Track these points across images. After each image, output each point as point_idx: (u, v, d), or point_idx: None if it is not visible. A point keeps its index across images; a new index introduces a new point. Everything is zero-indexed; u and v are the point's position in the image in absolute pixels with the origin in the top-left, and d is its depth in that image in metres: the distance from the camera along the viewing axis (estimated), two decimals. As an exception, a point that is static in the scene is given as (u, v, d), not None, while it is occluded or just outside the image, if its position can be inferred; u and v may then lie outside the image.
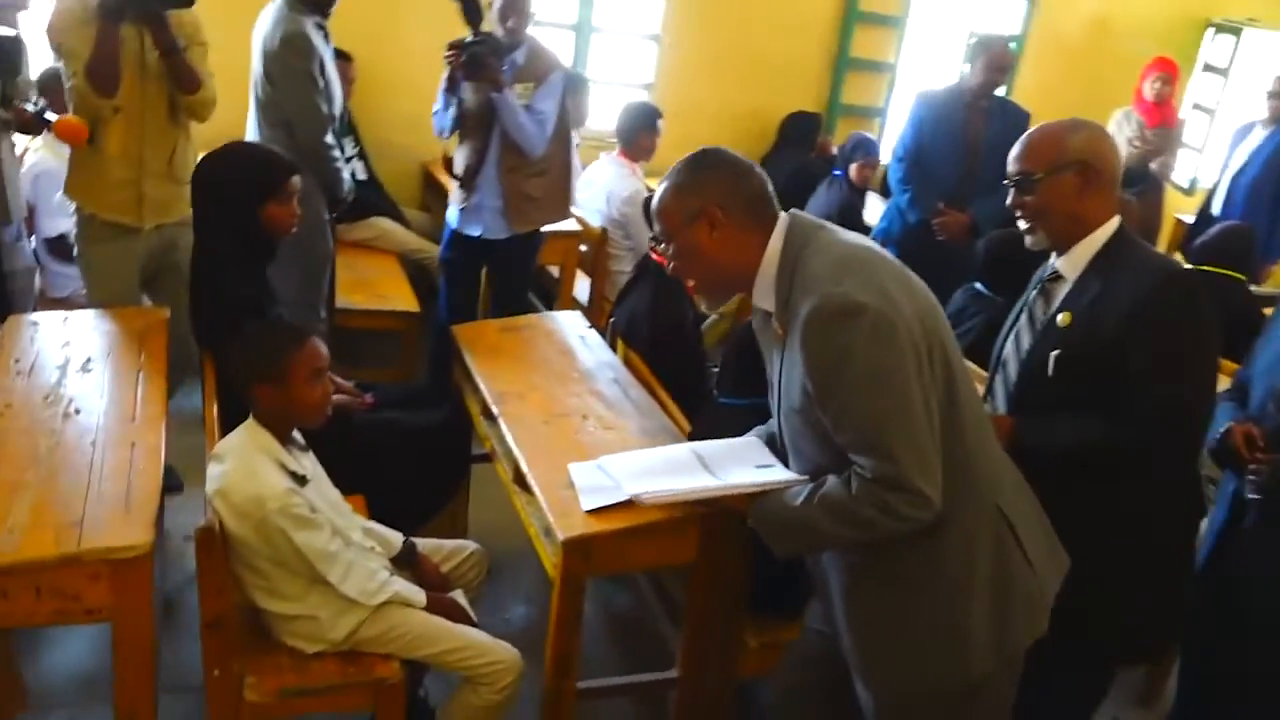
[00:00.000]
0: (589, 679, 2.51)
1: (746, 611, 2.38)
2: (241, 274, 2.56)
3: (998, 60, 4.14)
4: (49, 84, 3.32)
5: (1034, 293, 2.15)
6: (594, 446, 2.51)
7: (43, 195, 3.57)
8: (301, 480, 2.11)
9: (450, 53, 3.54)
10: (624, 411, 2.69)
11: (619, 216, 4.40)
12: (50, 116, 2.64)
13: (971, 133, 4.24)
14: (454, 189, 3.85)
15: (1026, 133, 2.11)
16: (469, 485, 3.15)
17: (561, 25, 5.36)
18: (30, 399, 2.29)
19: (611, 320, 3.29)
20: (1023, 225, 2.11)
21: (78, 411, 2.27)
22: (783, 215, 1.78)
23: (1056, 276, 2.09)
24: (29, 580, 1.79)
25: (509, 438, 2.54)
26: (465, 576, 2.49)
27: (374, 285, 4.30)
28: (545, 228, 4.00)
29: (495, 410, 2.68)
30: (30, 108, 3.00)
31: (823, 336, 1.62)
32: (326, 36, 3.46)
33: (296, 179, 2.63)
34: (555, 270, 4.59)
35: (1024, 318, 2.16)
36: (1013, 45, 4.29)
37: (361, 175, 4.68)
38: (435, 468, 2.90)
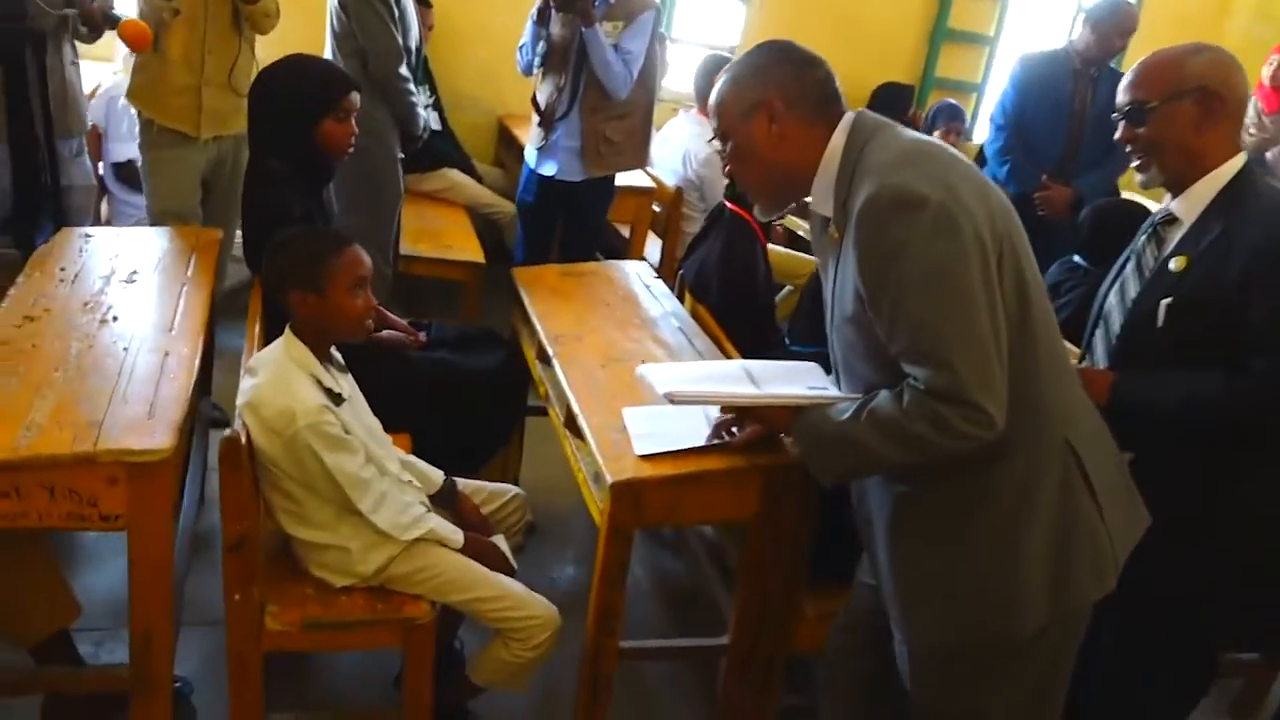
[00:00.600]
0: (633, 639, 2.34)
1: (806, 578, 2.19)
2: (294, 193, 2.45)
3: (1124, 23, 3.85)
4: None
5: (1143, 238, 1.94)
6: (651, 394, 2.34)
7: (114, 119, 3.54)
8: (337, 399, 1.97)
9: None
10: (687, 359, 2.51)
11: (694, 177, 4.22)
12: (118, 14, 2.57)
13: (1078, 102, 3.98)
14: (533, 127, 3.74)
15: (1140, 60, 1.89)
16: (522, 437, 3.01)
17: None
18: (69, 305, 2.21)
19: (680, 272, 3.11)
20: (1134, 163, 1.89)
21: (115, 319, 2.17)
22: (848, 113, 1.61)
23: (1171, 219, 1.88)
24: (42, 478, 1.68)
25: (562, 379, 2.39)
26: (507, 521, 2.35)
27: (441, 235, 4.19)
28: (619, 180, 3.87)
29: (550, 351, 2.53)
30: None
31: (876, 229, 1.46)
32: None
33: (355, 96, 2.51)
34: (626, 230, 4.43)
35: (1130, 265, 1.95)
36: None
37: (436, 126, 4.58)
38: (487, 412, 2.76)
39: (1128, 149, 1.90)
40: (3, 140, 2.57)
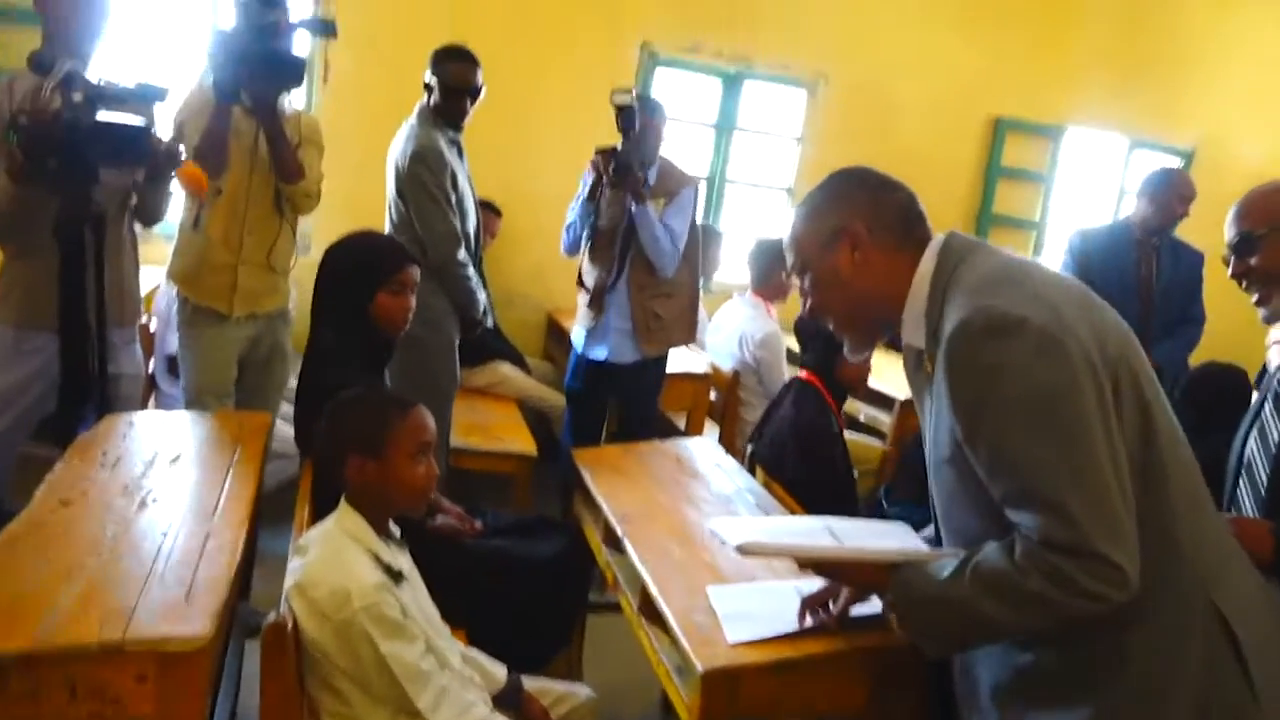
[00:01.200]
0: None
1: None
2: (354, 370, 2.33)
3: (1184, 189, 3.81)
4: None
5: (1277, 379, 1.77)
6: (735, 571, 2.12)
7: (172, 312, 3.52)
8: (397, 577, 1.77)
9: (599, 157, 3.46)
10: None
11: (751, 360, 4.11)
12: (180, 154, 2.59)
13: (1145, 270, 3.88)
14: (580, 310, 3.70)
15: (1243, 195, 1.82)
16: (584, 634, 2.75)
17: (703, 123, 5.29)
18: (108, 489, 2.05)
19: (750, 449, 2.94)
20: (1252, 296, 1.78)
21: (154, 501, 2.01)
22: (938, 235, 1.49)
23: None
24: (63, 674, 1.48)
25: (635, 558, 2.17)
26: (577, 727, 2.08)
27: (492, 428, 4.06)
28: (675, 367, 3.77)
29: (620, 531, 2.32)
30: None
31: (969, 356, 1.32)
32: (460, 152, 3.41)
33: (414, 270, 2.44)
34: (681, 420, 4.28)
35: (1268, 408, 1.79)
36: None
37: (488, 323, 4.57)
38: (550, 603, 2.52)
39: (1242, 284, 1.79)
40: (52, 329, 2.50)
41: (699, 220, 3.69)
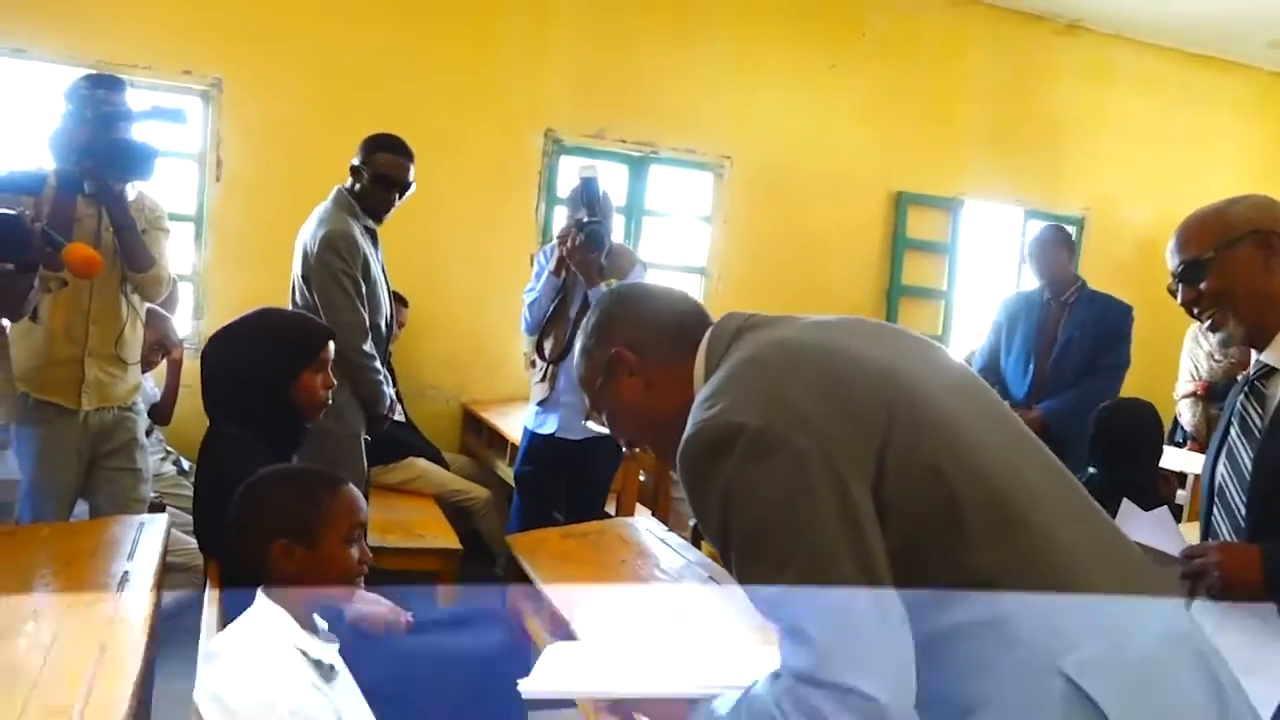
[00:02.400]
0: None
1: None
2: (263, 462, 2.12)
3: (1057, 236, 3.98)
4: None
5: (1239, 400, 1.74)
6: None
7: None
8: (328, 673, 1.56)
9: (568, 229, 3.41)
10: (729, 605, 2.14)
11: (680, 439, 3.99)
12: (58, 238, 2.41)
13: (1050, 328, 3.97)
14: (533, 386, 3.60)
15: (1181, 223, 1.79)
16: (529, 735, 2.52)
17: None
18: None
19: (694, 524, 2.79)
20: (1205, 323, 1.73)
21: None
22: (710, 328, 1.35)
23: (1269, 371, 1.70)
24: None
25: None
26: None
27: (411, 525, 3.83)
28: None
29: (567, 617, 2.14)
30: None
31: (695, 482, 1.17)
32: (376, 242, 3.27)
33: (332, 345, 2.27)
34: (610, 505, 4.12)
35: (1234, 430, 1.73)
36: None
37: (399, 417, 4.37)
38: (491, 702, 2.30)
39: (1194, 311, 1.76)
40: None
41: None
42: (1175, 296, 1.79)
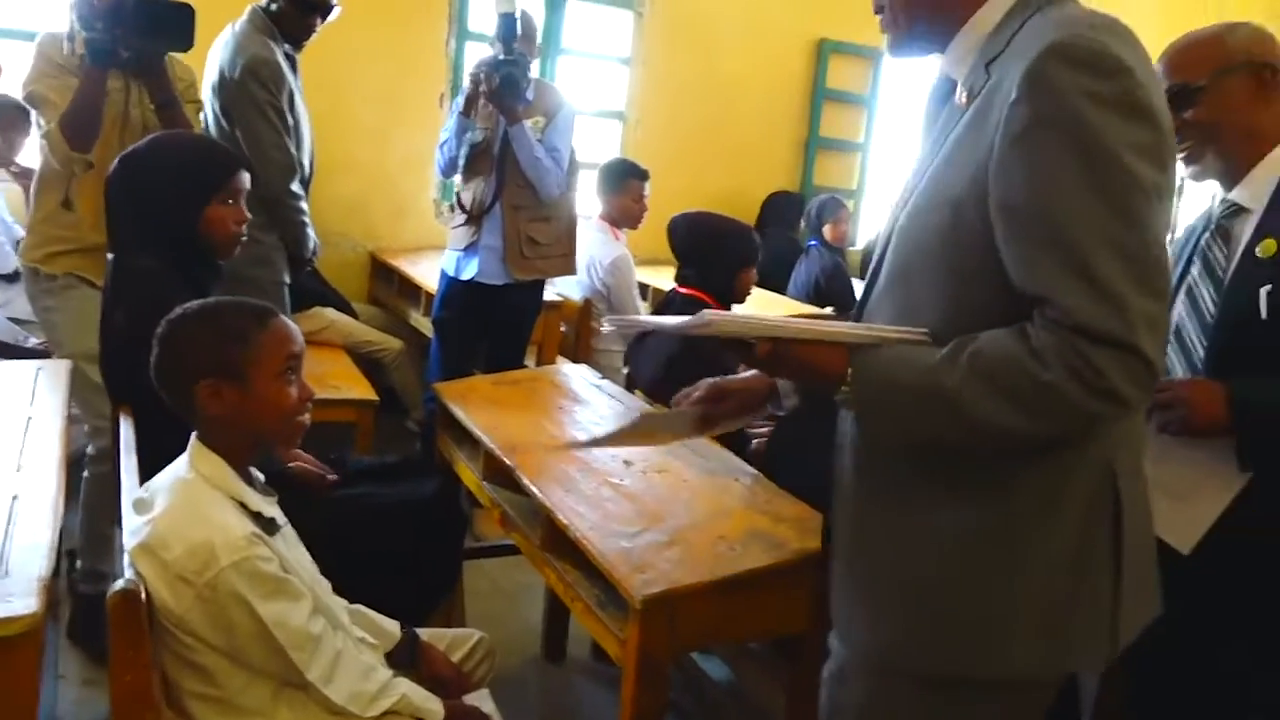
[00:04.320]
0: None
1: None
2: (176, 293, 1.95)
3: None
4: None
5: (1203, 237, 1.71)
6: (646, 494, 1.92)
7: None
8: (269, 526, 1.47)
9: (480, 69, 3.16)
10: (675, 452, 2.11)
11: (601, 286, 3.90)
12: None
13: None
14: (453, 234, 3.41)
15: (1170, 44, 1.72)
16: (462, 581, 2.49)
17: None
18: None
19: (626, 371, 2.74)
20: (1181, 153, 1.67)
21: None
22: None
23: (1236, 209, 1.67)
24: None
25: (534, 488, 1.93)
26: (475, 673, 1.84)
27: (325, 376, 3.65)
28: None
29: (510, 462, 2.07)
30: None
31: (1056, 79, 1.04)
32: (296, 68, 2.98)
33: (245, 176, 2.08)
34: (531, 357, 4.03)
35: (1195, 270, 1.71)
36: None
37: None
38: (429, 551, 2.25)
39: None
40: None
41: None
42: None
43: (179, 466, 1.48)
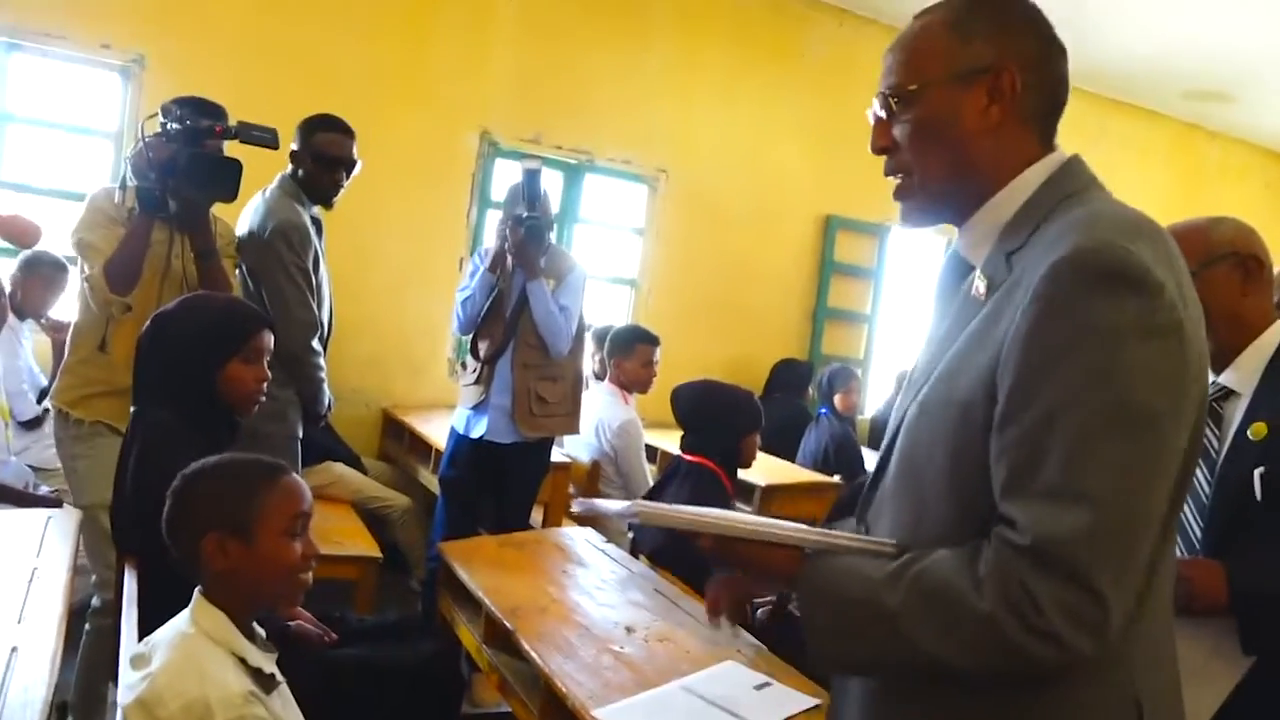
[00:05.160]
0: None
1: None
2: (190, 450, 1.98)
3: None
4: None
5: (1210, 394, 1.74)
6: (649, 665, 1.90)
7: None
8: (268, 684, 1.45)
9: (507, 224, 3.30)
10: (679, 620, 2.09)
11: (609, 449, 3.93)
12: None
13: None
14: (463, 391, 3.47)
15: None
16: (457, 751, 2.42)
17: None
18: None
19: (632, 537, 2.73)
20: None
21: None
22: (1063, 152, 1.14)
23: (1226, 393, 1.71)
24: None
25: (536, 658, 1.91)
26: None
27: (329, 532, 3.65)
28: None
29: (509, 625, 2.05)
30: None
31: (1074, 294, 0.96)
32: (321, 232, 3.11)
33: (268, 335, 2.15)
34: (538, 515, 4.02)
35: (1208, 431, 1.73)
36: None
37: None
38: (422, 715, 2.20)
39: None
40: None
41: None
42: None
43: (180, 621, 1.48)
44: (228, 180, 2.64)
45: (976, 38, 1.11)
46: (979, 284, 1.10)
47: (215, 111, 2.68)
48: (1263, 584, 1.53)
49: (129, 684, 1.41)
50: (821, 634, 1.07)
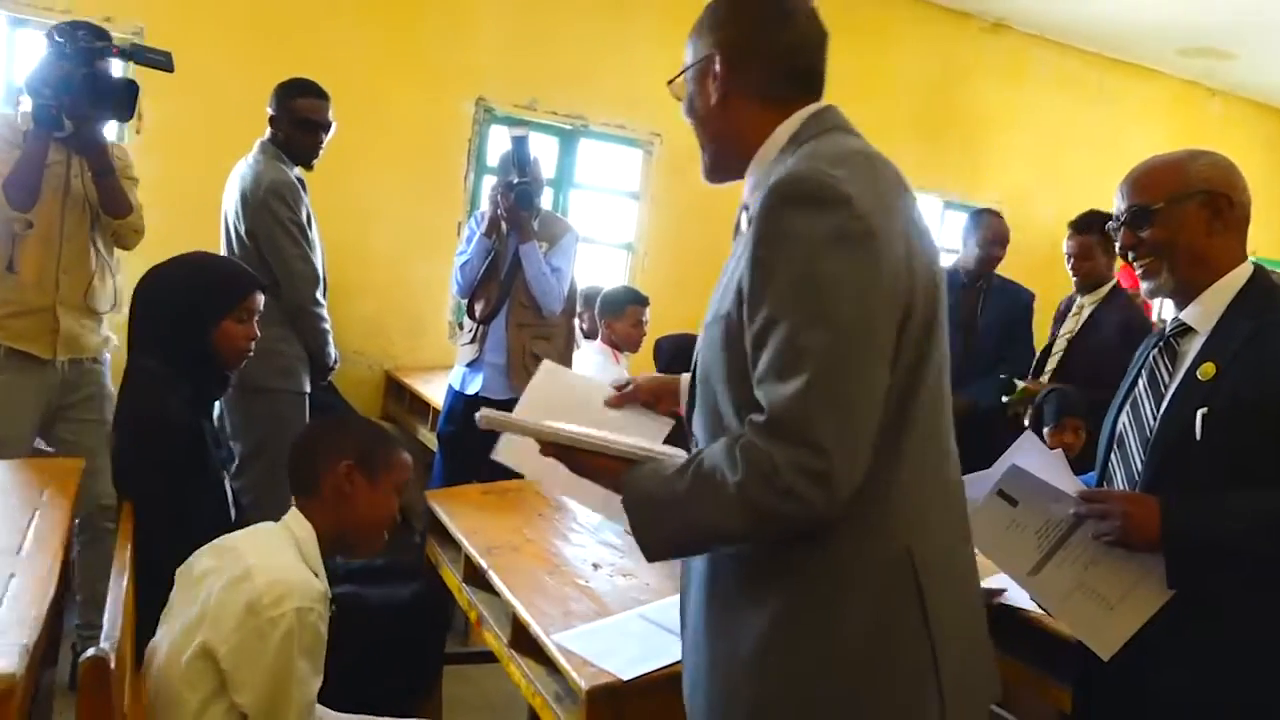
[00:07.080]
0: None
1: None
2: (177, 399, 2.11)
3: (1000, 231, 4.05)
4: None
5: (1152, 353, 1.78)
6: (612, 596, 2.02)
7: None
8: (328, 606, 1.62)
9: (499, 190, 3.43)
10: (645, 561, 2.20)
11: (601, 408, 4.04)
12: None
13: (965, 313, 4.08)
14: (460, 347, 3.61)
15: (1137, 166, 1.82)
16: (442, 684, 2.56)
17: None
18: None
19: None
20: (1138, 269, 1.77)
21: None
22: (818, 104, 1.37)
23: (1184, 329, 1.74)
24: None
25: (503, 589, 2.04)
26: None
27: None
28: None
29: (484, 565, 2.18)
30: None
31: (778, 215, 1.17)
32: (306, 191, 3.23)
33: (260, 296, 2.25)
34: (531, 472, 4.15)
35: (1142, 383, 1.78)
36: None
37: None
38: (409, 652, 2.34)
39: (1129, 257, 1.79)
40: None
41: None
42: (1115, 237, 1.80)
43: (268, 525, 1.68)
44: (124, 100, 2.72)
45: (700, 39, 1.41)
46: (743, 219, 1.35)
47: (103, 34, 2.76)
48: (1191, 529, 1.57)
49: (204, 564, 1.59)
50: (641, 528, 1.25)
